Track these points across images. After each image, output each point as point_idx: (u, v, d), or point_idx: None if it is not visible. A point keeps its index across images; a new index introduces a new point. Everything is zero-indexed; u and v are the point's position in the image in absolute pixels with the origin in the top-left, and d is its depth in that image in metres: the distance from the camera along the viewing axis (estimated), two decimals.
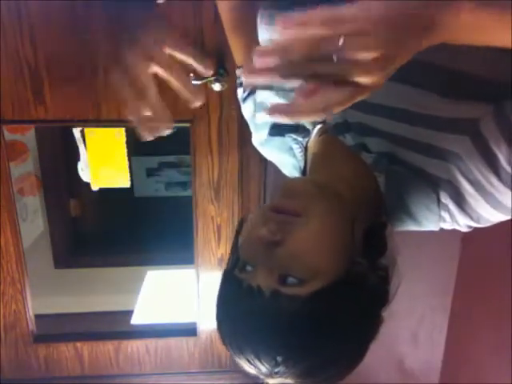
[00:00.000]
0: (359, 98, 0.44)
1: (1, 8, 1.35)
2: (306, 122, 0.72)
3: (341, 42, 0.40)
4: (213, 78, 1.43)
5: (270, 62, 0.42)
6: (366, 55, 0.41)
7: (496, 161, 0.51)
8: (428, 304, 1.71)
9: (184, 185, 2.93)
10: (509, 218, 0.57)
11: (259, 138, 0.83)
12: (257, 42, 0.77)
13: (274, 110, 0.43)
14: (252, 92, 0.83)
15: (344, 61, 0.41)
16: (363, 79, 0.42)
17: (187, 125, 1.55)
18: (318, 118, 0.44)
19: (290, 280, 0.55)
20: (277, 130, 0.77)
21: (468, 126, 0.53)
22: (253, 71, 0.42)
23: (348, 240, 0.58)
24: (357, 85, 0.42)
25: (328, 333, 0.56)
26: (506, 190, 0.52)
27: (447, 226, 0.62)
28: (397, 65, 0.44)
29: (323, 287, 0.55)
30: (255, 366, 0.57)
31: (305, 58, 0.41)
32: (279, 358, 0.55)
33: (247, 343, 0.56)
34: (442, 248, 1.58)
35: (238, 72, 0.88)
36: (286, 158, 0.78)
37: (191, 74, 1.53)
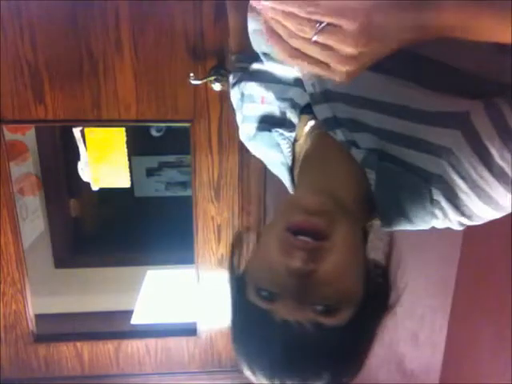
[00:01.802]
0: (332, 77, 0.46)
1: (1, 8, 1.35)
2: (291, 114, 0.71)
3: (320, 27, 0.42)
4: (213, 78, 1.43)
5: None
6: (342, 48, 0.43)
7: (489, 156, 0.50)
8: (428, 304, 1.71)
9: (184, 185, 2.93)
10: (500, 215, 0.56)
11: (246, 132, 0.82)
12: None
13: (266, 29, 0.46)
14: (240, 80, 0.82)
15: (319, 44, 0.43)
16: (336, 66, 0.44)
17: (187, 125, 1.55)
18: (283, 58, 0.47)
19: (327, 309, 0.53)
20: (264, 125, 0.76)
21: (458, 120, 0.52)
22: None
23: (363, 253, 0.58)
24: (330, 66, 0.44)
25: (363, 353, 0.57)
26: (498, 185, 0.51)
27: (439, 223, 0.60)
28: (374, 59, 0.45)
29: (356, 310, 0.54)
30: None
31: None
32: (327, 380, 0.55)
33: (293, 378, 0.55)
34: (442, 248, 1.58)
35: (232, 58, 0.88)
36: (273, 154, 0.77)
37: (191, 74, 1.54)
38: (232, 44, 0.90)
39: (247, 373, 0.58)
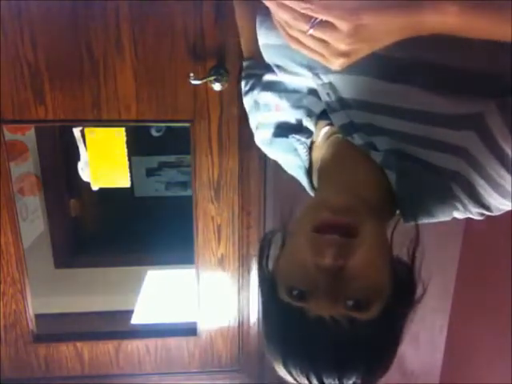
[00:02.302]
0: (327, 64, 0.49)
1: (1, 8, 1.35)
2: (308, 123, 0.72)
3: (314, 22, 0.45)
4: (213, 78, 1.43)
5: None
6: (335, 44, 0.46)
7: (505, 155, 0.51)
8: (428, 305, 1.71)
9: (184, 185, 2.93)
10: None
11: (262, 137, 0.84)
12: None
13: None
14: (252, 87, 0.83)
15: (313, 36, 0.46)
16: (330, 57, 0.48)
17: (187, 124, 1.55)
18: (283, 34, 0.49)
19: (359, 303, 0.54)
20: (280, 131, 0.78)
21: (473, 122, 0.53)
22: None
23: (390, 249, 0.60)
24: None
25: (393, 348, 0.59)
26: None
27: (459, 214, 0.62)
28: (367, 53, 0.48)
29: (385, 305, 0.56)
30: None
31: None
32: (359, 379, 0.56)
33: (330, 373, 0.55)
34: (442, 248, 1.58)
35: (244, 64, 0.89)
36: (290, 159, 0.78)
37: (191, 74, 1.53)
38: (243, 50, 0.90)
39: (281, 372, 0.59)
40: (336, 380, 0.55)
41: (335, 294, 0.54)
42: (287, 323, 0.57)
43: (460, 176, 0.56)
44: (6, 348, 1.78)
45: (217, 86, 1.45)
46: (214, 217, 1.67)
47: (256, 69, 0.84)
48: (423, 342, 1.75)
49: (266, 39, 0.72)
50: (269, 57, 0.74)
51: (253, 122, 0.86)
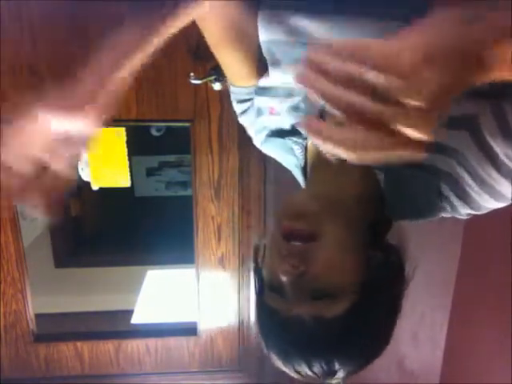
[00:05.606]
0: (397, 155, 0.38)
1: (1, 8, 1.35)
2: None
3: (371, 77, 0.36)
4: (213, 78, 1.43)
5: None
6: (403, 100, 0.36)
7: (495, 155, 0.52)
8: (428, 303, 1.71)
9: (184, 184, 2.93)
10: (506, 204, 0.59)
11: (259, 139, 0.84)
12: (255, 54, 0.71)
13: (307, 123, 0.40)
14: (249, 108, 0.81)
15: (377, 101, 0.36)
16: (402, 128, 0.37)
17: (187, 124, 1.55)
18: (341, 154, 0.38)
19: (322, 302, 0.57)
20: (276, 133, 0.78)
21: (467, 123, 0.54)
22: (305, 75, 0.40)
23: (362, 245, 0.61)
24: (394, 135, 0.37)
25: (373, 334, 0.61)
26: (506, 182, 0.54)
27: (447, 214, 0.63)
28: (443, 112, 0.38)
29: (357, 299, 0.57)
30: (318, 376, 0.60)
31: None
32: (337, 367, 0.59)
33: (299, 363, 0.59)
34: (443, 246, 1.58)
35: (232, 89, 0.81)
36: (287, 157, 0.79)
37: (191, 74, 1.53)
38: (232, 77, 0.80)
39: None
40: (306, 368, 0.59)
41: (299, 294, 0.58)
42: (265, 320, 0.62)
43: (450, 177, 0.57)
44: (6, 348, 1.78)
45: (217, 86, 1.45)
46: (214, 216, 1.67)
47: (246, 94, 0.80)
48: (423, 340, 1.75)
49: (270, 34, 0.67)
50: (270, 52, 0.69)
51: (252, 132, 0.85)
